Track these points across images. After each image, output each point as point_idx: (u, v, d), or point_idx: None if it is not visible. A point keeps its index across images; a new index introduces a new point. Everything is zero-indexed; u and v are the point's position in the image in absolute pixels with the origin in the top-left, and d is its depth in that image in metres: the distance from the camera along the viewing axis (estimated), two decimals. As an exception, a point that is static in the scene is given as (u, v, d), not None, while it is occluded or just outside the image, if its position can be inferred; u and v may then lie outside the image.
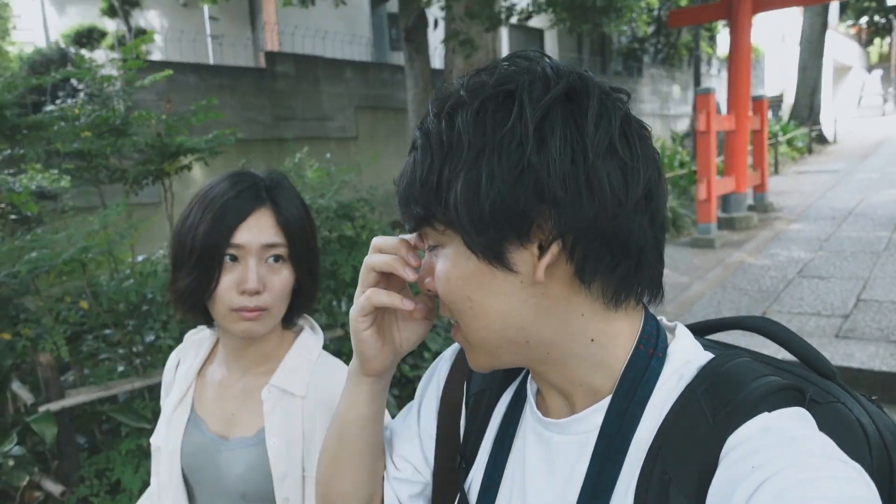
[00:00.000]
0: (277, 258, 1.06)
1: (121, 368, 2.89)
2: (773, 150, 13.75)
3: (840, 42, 26.27)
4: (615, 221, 0.57)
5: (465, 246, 0.59)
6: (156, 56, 8.97)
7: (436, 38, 8.42)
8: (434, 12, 8.42)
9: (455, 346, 0.84)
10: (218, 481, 1.10)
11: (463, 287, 0.60)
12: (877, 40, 36.89)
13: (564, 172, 0.55)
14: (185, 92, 7.22)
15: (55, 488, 2.59)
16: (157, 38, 9.69)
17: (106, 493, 2.70)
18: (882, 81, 30.31)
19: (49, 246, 2.47)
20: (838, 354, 4.19)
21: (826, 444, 0.52)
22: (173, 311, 2.87)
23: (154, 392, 3.09)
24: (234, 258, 1.03)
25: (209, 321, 1.13)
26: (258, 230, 1.04)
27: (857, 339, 4.48)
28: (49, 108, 3.63)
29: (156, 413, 3.02)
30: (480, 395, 0.77)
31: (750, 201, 9.98)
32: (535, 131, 0.55)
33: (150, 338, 2.82)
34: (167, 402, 1.20)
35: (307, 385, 1.11)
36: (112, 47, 9.11)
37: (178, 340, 3.00)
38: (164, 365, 3.30)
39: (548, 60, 0.61)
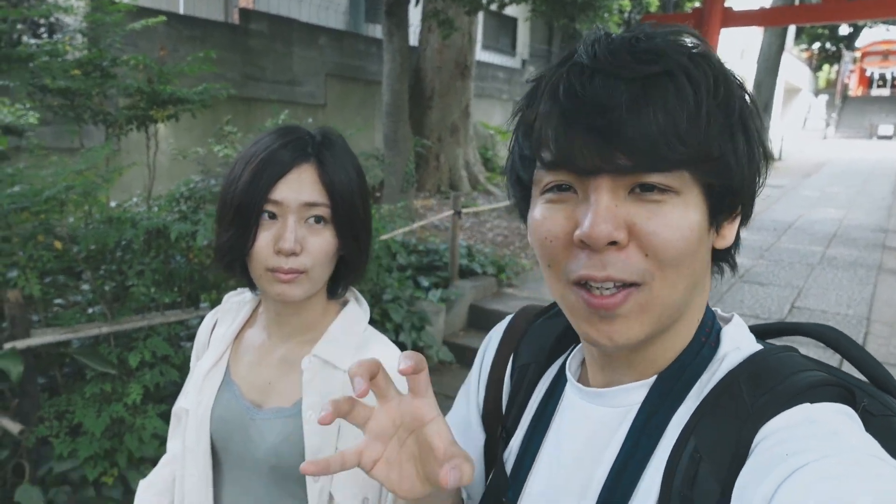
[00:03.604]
0: (319, 219, 0.98)
1: (89, 311, 2.87)
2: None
3: (793, 64, 27.33)
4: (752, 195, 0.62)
5: (701, 196, 0.57)
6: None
7: (413, 15, 8.39)
8: (416, -12, 8.38)
9: (504, 323, 0.84)
10: (247, 451, 1.04)
11: (696, 239, 0.57)
12: (825, 66, 38.68)
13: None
14: (153, 40, 6.97)
15: (13, 426, 2.57)
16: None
17: (66, 435, 2.69)
18: (827, 106, 31.76)
19: (30, 182, 2.42)
20: (773, 355, 4.51)
21: (871, 443, 0.50)
22: (149, 260, 2.86)
23: (119, 339, 3.08)
24: (273, 215, 0.97)
25: (251, 283, 1.06)
26: (298, 186, 0.96)
27: (790, 342, 4.82)
28: (31, 41, 3.50)
29: (121, 360, 3.02)
30: (525, 369, 0.76)
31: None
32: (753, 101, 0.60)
33: (126, 283, 2.80)
34: (200, 364, 1.13)
35: (351, 359, 1.03)
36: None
37: (155, 288, 3.00)
38: (134, 312, 3.26)
39: None
